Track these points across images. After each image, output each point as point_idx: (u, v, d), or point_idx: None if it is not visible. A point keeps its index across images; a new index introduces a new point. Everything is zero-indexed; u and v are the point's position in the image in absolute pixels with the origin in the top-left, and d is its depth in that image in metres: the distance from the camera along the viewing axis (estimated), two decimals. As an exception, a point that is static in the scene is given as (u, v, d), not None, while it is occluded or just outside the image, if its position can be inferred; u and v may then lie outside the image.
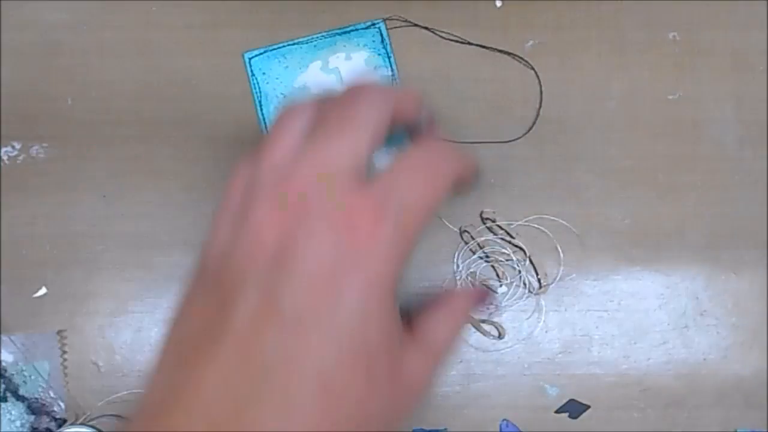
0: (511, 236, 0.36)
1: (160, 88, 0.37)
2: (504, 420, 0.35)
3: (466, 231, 0.36)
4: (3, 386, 0.35)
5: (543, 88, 0.37)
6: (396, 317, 0.24)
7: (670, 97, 0.38)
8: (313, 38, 0.38)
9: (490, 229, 0.36)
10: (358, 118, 0.25)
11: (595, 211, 0.37)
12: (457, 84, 0.37)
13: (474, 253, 0.36)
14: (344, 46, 0.37)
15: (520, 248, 0.36)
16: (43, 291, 0.36)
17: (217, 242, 0.25)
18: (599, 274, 0.36)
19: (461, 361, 0.36)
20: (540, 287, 0.36)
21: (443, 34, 0.38)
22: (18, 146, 0.37)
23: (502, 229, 0.36)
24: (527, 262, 0.36)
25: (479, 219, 0.36)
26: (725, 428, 0.35)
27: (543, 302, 0.36)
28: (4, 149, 0.37)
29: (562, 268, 0.36)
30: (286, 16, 0.38)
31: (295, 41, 0.37)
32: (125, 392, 0.35)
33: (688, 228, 0.37)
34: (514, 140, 0.37)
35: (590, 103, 0.38)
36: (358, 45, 0.37)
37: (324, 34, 0.37)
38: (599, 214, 0.37)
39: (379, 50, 0.37)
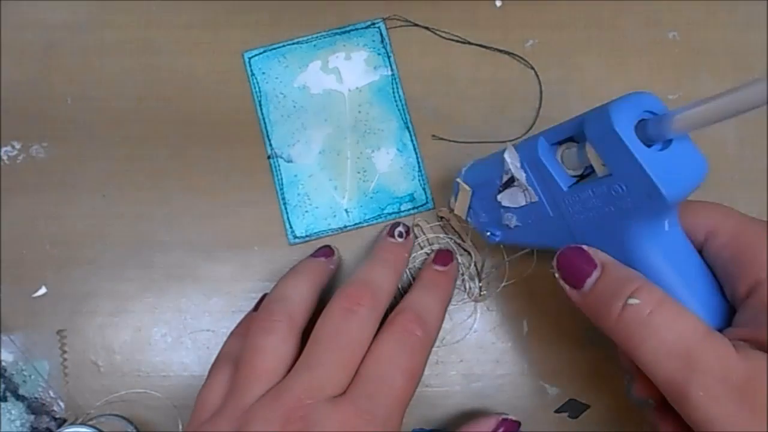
0: (462, 239, 0.36)
1: (159, 88, 0.37)
2: (504, 420, 0.35)
3: (417, 225, 0.36)
4: (3, 386, 0.35)
5: (543, 88, 0.37)
6: None
7: (670, 96, 0.38)
8: (312, 38, 0.38)
9: (443, 228, 0.36)
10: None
11: (595, 210, 0.37)
12: (457, 84, 0.38)
13: (422, 248, 0.36)
14: (344, 45, 0.37)
15: (468, 252, 0.36)
16: (42, 291, 0.36)
17: None
18: (599, 274, 0.36)
19: (461, 361, 0.36)
20: (479, 294, 0.36)
21: (443, 34, 0.38)
22: (18, 146, 0.37)
23: (455, 230, 0.36)
24: (472, 266, 0.36)
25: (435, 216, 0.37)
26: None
27: (479, 308, 0.36)
28: (4, 149, 0.37)
29: (506, 275, 0.36)
30: (285, 15, 0.38)
31: (295, 41, 0.37)
32: (125, 392, 0.35)
33: (688, 228, 0.37)
34: (513, 140, 0.37)
35: (590, 103, 0.37)
36: (358, 44, 0.37)
37: (324, 33, 0.37)
38: (599, 214, 0.37)
39: (378, 50, 0.37)
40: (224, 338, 0.35)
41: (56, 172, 0.37)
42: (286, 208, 0.36)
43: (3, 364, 0.35)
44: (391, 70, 0.37)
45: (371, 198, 0.36)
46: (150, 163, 0.37)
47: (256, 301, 0.36)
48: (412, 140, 0.37)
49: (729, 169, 0.37)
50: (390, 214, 0.36)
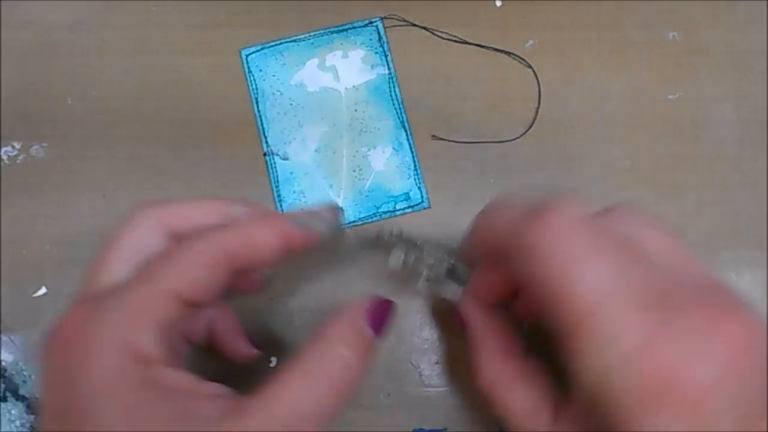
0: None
1: (159, 88, 0.37)
2: (503, 420, 0.35)
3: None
4: (3, 386, 0.35)
5: (542, 88, 0.37)
6: (154, 396, 0.23)
7: (670, 96, 0.38)
8: (310, 36, 0.38)
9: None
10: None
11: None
12: (456, 83, 0.37)
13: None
14: (341, 44, 0.37)
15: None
16: (43, 291, 0.36)
17: None
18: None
19: (461, 361, 0.36)
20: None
21: (441, 34, 0.38)
22: (18, 146, 0.37)
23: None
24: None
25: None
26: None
27: None
28: (4, 149, 0.37)
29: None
30: (285, 15, 0.38)
31: (293, 38, 0.37)
32: (125, 392, 0.35)
33: (688, 228, 0.37)
34: (512, 140, 0.37)
35: (590, 102, 0.38)
36: (356, 43, 0.37)
37: (321, 31, 0.38)
38: (599, 214, 0.37)
39: (376, 48, 0.37)
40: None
41: (56, 172, 0.37)
42: (281, 206, 0.36)
43: (3, 364, 0.35)
44: (389, 68, 0.37)
45: (366, 196, 0.36)
46: (150, 163, 0.37)
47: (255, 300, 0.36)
48: (408, 139, 0.37)
49: (729, 169, 0.37)
50: (385, 212, 0.36)
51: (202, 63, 0.38)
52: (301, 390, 0.23)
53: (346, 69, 0.37)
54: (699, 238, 0.36)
